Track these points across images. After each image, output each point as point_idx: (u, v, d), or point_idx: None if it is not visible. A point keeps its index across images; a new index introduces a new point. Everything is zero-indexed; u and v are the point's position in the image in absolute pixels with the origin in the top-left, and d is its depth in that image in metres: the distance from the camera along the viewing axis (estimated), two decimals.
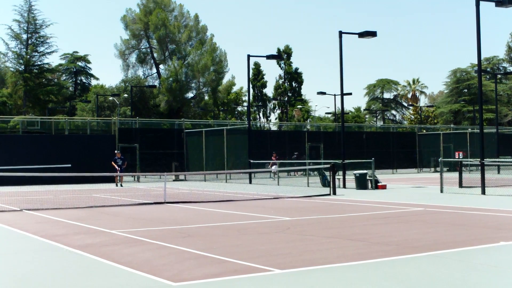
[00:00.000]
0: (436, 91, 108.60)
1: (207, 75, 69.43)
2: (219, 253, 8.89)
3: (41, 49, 70.48)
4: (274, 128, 66.13)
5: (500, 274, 7.44)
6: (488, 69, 79.11)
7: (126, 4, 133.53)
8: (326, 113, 79.81)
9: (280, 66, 78.37)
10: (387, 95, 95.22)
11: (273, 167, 33.60)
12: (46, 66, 71.39)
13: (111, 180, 31.17)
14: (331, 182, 21.89)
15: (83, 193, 23.95)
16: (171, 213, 15.63)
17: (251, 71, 49.68)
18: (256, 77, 77.08)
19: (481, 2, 20.83)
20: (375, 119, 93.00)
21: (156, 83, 73.06)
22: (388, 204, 17.17)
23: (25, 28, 69.56)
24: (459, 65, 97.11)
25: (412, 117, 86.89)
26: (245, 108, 76.74)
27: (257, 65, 77.22)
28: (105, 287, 6.96)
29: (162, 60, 73.15)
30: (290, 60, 78.14)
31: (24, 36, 69.41)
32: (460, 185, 23.02)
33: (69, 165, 30.36)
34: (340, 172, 25.99)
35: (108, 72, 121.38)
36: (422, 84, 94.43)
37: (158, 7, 70.61)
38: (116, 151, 31.45)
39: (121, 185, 29.62)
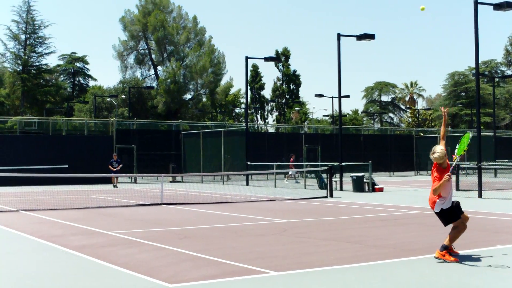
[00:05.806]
0: (434, 94, 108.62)
1: (205, 77, 69.44)
2: (216, 254, 8.89)
3: (39, 49, 70.49)
4: (271, 130, 66.20)
5: (497, 277, 7.44)
6: (486, 73, 79.22)
7: (124, 5, 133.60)
8: (324, 115, 79.96)
9: (278, 68, 78.37)
10: (385, 98, 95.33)
11: (291, 171, 33.71)
12: (44, 66, 71.35)
13: (108, 181, 31.22)
14: (328, 185, 21.89)
15: (80, 194, 23.93)
16: (168, 214, 15.61)
17: (249, 73, 49.68)
18: (254, 79, 77.06)
19: (479, 5, 20.88)
20: (372, 121, 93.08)
21: (154, 84, 73.01)
22: (385, 207, 17.17)
23: (23, 28, 69.54)
24: (457, 68, 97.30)
25: (410, 120, 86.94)
26: (243, 110, 76.72)
27: (255, 67, 77.19)
28: None
29: (160, 61, 73.14)
30: (288, 62, 78.11)
31: (23, 37, 69.40)
32: (457, 188, 23.04)
33: (66, 166, 30.34)
34: (337, 175, 26.00)
35: (106, 73, 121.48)
36: (420, 87, 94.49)
37: (157, 9, 70.60)
38: (114, 154, 31.49)
39: (115, 186, 29.75)
